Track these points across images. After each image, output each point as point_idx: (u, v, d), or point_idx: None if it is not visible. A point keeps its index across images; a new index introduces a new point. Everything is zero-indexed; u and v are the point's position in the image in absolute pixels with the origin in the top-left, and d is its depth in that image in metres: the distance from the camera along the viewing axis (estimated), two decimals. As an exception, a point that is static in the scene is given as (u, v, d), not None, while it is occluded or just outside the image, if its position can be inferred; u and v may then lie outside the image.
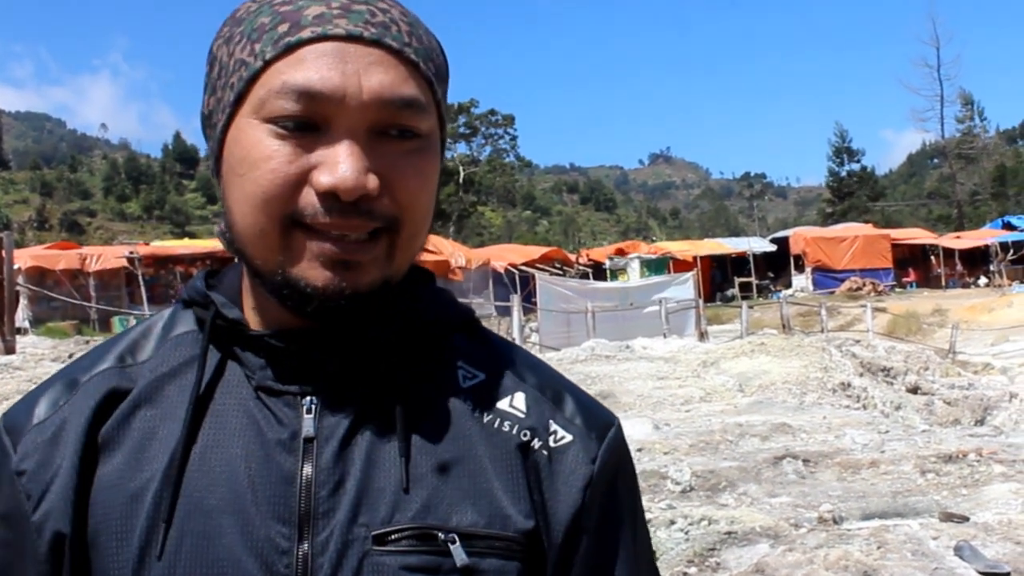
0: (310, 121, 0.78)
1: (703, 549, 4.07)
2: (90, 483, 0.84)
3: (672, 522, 4.39)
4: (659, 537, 4.22)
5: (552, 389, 0.92)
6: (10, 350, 10.63)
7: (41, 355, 10.63)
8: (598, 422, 0.92)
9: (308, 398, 0.84)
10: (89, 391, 0.87)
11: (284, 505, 0.81)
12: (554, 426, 0.89)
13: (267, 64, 0.79)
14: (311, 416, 0.83)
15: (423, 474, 0.83)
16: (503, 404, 0.89)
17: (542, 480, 0.86)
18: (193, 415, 0.84)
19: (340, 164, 0.77)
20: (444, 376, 0.89)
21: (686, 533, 4.29)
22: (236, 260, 0.88)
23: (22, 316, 21.25)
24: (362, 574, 0.79)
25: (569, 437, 0.89)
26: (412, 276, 0.91)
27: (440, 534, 0.81)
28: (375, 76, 0.78)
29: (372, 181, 0.77)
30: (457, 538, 0.81)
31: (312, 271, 0.79)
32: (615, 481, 0.91)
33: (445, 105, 0.87)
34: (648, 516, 4.50)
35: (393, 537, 0.80)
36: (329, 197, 0.77)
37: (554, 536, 0.86)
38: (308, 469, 0.82)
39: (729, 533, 4.23)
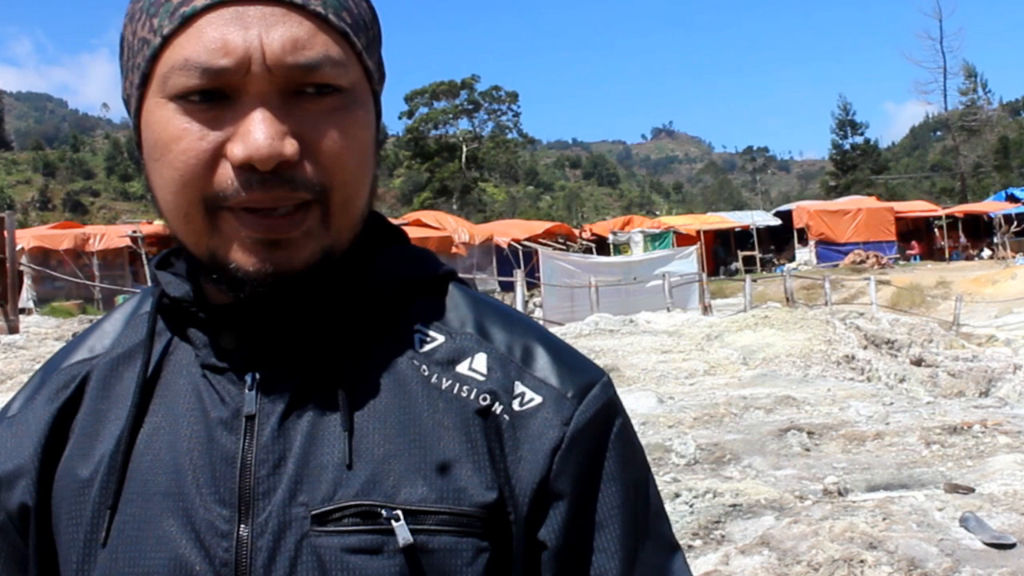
0: (217, 92, 0.73)
1: (708, 522, 4.08)
2: (54, 471, 0.84)
3: (677, 495, 4.40)
4: (664, 510, 4.23)
5: (523, 347, 0.83)
6: (14, 330, 10.67)
7: (45, 334, 10.68)
8: (577, 381, 0.82)
9: (250, 374, 0.80)
10: (59, 382, 0.87)
11: (225, 486, 0.77)
12: (520, 387, 0.80)
13: (166, 40, 0.74)
14: (253, 393, 0.79)
15: (369, 448, 0.77)
16: (462, 367, 0.81)
17: (505, 447, 0.78)
18: (141, 397, 0.82)
19: (252, 132, 0.71)
20: (398, 342, 0.82)
21: (691, 506, 4.30)
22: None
23: (26, 296, 21.27)
24: (301, 556, 0.75)
25: (538, 399, 0.80)
26: (373, 238, 0.86)
27: (384, 511, 0.75)
28: (278, 37, 0.72)
29: (290, 146, 0.72)
30: (402, 515, 0.75)
31: (240, 254, 0.74)
32: (598, 446, 0.81)
33: (373, 53, 0.81)
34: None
35: (334, 516, 0.75)
36: (246, 169, 0.72)
37: (519, 508, 0.78)
38: (249, 448, 0.78)
39: (734, 506, 4.24)
